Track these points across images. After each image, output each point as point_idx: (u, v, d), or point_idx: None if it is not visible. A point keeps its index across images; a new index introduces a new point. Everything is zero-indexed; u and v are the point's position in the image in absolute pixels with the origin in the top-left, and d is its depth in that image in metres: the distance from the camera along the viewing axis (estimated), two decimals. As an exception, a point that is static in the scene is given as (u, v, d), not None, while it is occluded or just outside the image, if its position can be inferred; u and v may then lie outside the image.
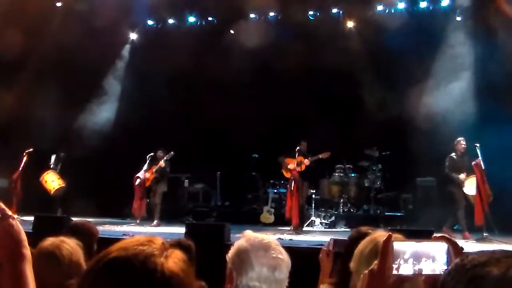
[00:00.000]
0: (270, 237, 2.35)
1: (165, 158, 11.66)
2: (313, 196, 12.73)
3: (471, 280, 1.07)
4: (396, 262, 1.36)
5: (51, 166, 12.44)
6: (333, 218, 12.48)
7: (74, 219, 6.42)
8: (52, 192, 12.11)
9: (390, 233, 1.40)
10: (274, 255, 2.19)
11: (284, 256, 2.24)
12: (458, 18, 12.58)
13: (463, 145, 9.81)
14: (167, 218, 12.50)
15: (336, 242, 2.99)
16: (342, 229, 11.63)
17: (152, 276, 1.18)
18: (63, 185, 12.19)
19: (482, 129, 10.43)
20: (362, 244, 2.41)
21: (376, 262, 1.41)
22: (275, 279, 2.18)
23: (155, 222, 11.52)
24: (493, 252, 1.11)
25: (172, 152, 11.73)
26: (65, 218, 8.35)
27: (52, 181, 12.15)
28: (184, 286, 1.23)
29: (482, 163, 9.32)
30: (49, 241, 3.00)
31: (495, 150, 9.81)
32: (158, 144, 12.01)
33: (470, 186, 9.53)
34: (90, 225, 4.39)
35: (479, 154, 9.39)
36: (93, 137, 14.07)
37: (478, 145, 9.48)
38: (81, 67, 13.81)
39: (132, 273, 1.18)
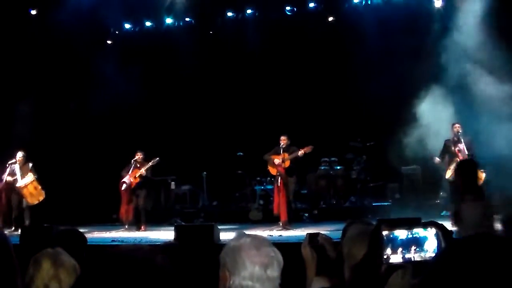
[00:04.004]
0: (261, 235, 2.35)
1: (150, 164, 11.57)
2: (301, 190, 12.76)
3: None
4: (385, 252, 1.37)
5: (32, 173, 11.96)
6: (321, 211, 12.53)
7: (61, 227, 6.34)
8: (34, 202, 11.75)
9: (379, 222, 1.41)
10: (266, 253, 2.19)
11: (276, 253, 2.24)
12: (437, 4, 12.62)
13: (457, 129, 9.68)
14: (155, 221, 12.44)
15: (311, 236, 2.99)
16: (331, 222, 11.65)
17: (153, 265, 1.26)
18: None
19: (467, 113, 10.50)
20: (352, 229, 2.44)
21: (365, 252, 1.42)
22: (268, 277, 2.18)
23: (142, 227, 11.45)
24: None
25: (157, 158, 11.63)
26: (52, 228, 8.24)
27: (41, 189, 11.76)
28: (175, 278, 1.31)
29: (465, 149, 9.41)
30: (50, 250, 2.99)
31: (485, 134, 9.95)
32: (142, 147, 11.94)
33: (451, 172, 9.58)
34: (78, 232, 4.35)
35: (462, 140, 9.49)
36: (76, 142, 14.02)
37: (461, 130, 9.57)
38: (59, 72, 13.76)
39: (135, 264, 1.22)
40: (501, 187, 9.69)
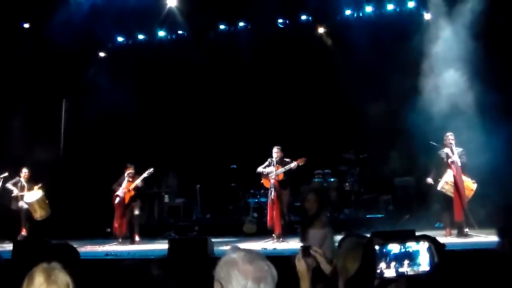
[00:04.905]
0: (256, 249, 2.35)
1: (144, 175, 11.55)
2: (294, 203, 12.74)
3: None
4: (379, 266, 1.37)
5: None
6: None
7: (53, 242, 6.30)
8: (43, 217, 11.98)
9: (372, 236, 1.41)
10: (260, 267, 2.19)
11: (270, 268, 2.24)
12: (427, 17, 12.71)
13: (450, 140, 9.63)
14: (149, 235, 12.38)
15: (304, 249, 2.99)
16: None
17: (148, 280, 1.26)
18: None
19: (461, 124, 10.52)
20: (346, 243, 2.44)
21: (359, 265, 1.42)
22: (261, 291, 2.18)
23: (136, 238, 11.39)
24: None
25: (151, 169, 11.62)
26: (45, 242, 8.17)
27: (48, 205, 12.10)
28: None
29: (458, 160, 9.43)
30: (45, 265, 2.96)
31: (477, 145, 9.99)
32: (135, 160, 11.92)
33: (444, 183, 9.58)
34: (70, 247, 4.32)
35: (455, 151, 9.51)
36: (68, 155, 13.99)
37: (453, 142, 9.59)
38: (51, 85, 13.77)
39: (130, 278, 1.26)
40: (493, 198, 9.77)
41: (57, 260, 3.17)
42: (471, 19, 11.34)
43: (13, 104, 13.60)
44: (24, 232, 11.82)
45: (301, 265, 3.07)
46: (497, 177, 10.09)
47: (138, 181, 11.47)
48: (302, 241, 6.84)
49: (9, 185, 12.02)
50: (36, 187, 12.05)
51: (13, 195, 12.01)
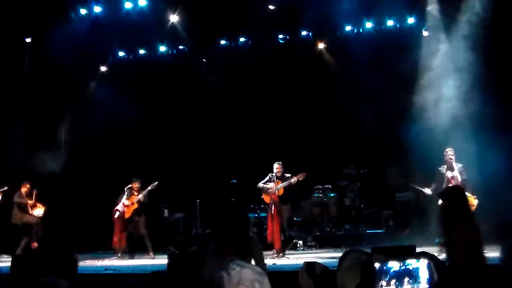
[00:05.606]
0: (252, 265, 2.35)
1: (148, 188, 11.52)
2: (294, 218, 12.70)
3: None
4: (378, 284, 1.36)
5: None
6: (316, 239, 12.46)
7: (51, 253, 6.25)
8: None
9: (371, 253, 1.41)
10: (248, 284, 2.20)
11: (262, 285, 2.23)
12: (425, 33, 12.79)
13: (450, 156, 9.62)
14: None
15: (308, 264, 2.98)
16: (325, 250, 11.59)
17: None
18: None
19: (460, 139, 10.51)
20: (347, 259, 2.44)
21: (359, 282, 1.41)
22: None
23: (151, 254, 11.31)
24: None
25: (156, 182, 11.59)
26: (45, 255, 8.13)
27: None
28: None
29: (458, 176, 9.41)
30: (46, 279, 2.94)
31: (478, 159, 9.97)
32: (136, 175, 11.90)
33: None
34: (68, 259, 4.28)
35: (454, 167, 9.49)
36: (69, 168, 13.98)
37: (453, 157, 9.57)
38: (53, 99, 13.80)
39: None
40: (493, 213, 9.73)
41: (55, 273, 3.15)
42: (469, 30, 11.39)
43: (14, 118, 13.61)
44: (35, 245, 12.02)
45: (304, 280, 3.06)
46: (496, 191, 10.05)
47: (141, 195, 11.45)
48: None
49: (17, 199, 12.17)
50: (38, 203, 12.30)
51: (28, 206, 12.21)
